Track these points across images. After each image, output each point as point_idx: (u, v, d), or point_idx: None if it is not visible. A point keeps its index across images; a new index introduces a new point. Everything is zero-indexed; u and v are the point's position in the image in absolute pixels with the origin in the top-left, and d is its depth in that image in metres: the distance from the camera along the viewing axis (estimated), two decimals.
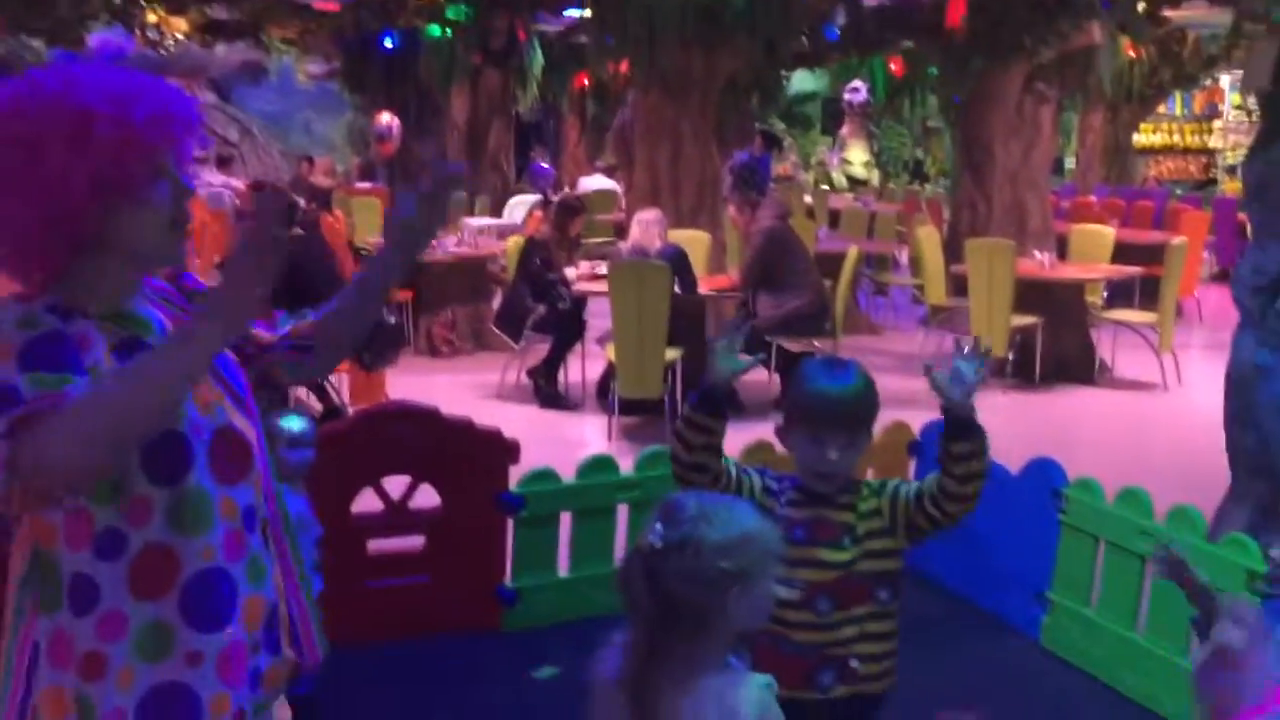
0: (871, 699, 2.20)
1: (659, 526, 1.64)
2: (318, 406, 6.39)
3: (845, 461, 2.18)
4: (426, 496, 4.11)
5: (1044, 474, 4.12)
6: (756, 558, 1.67)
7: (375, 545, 4.06)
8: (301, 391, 5.92)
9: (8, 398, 1.40)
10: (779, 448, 2.50)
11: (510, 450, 4.12)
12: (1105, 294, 9.62)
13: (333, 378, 6.63)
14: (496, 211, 12.81)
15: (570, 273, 7.57)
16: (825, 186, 18.59)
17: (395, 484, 4.07)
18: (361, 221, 11.57)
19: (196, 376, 1.46)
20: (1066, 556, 4.01)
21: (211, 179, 15.51)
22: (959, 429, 2.15)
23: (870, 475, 4.66)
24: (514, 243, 8.33)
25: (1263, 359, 4.02)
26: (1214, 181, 20.45)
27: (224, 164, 16.18)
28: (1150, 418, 7.49)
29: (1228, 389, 4.40)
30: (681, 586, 1.62)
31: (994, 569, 4.28)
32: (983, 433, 2.17)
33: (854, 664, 2.15)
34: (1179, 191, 17.72)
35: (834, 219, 13.08)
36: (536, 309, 7.48)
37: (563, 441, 6.37)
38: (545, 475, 4.15)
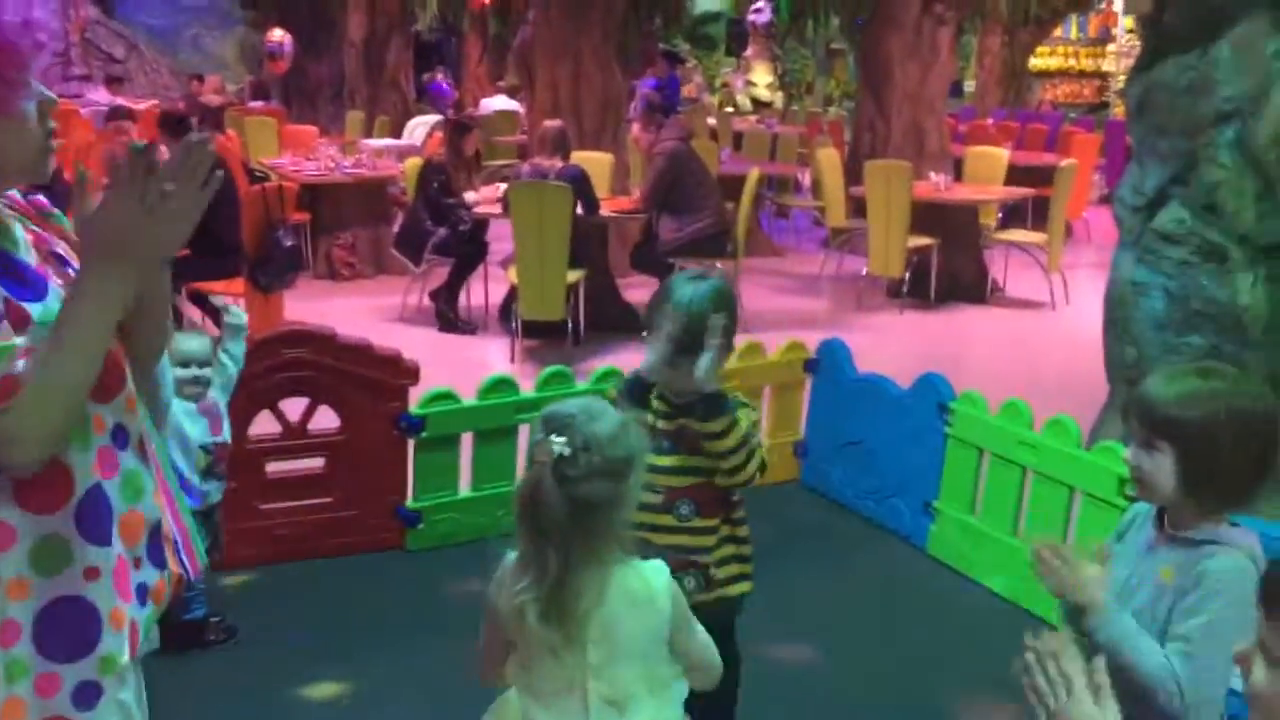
0: (730, 602, 2.29)
1: (556, 437, 1.69)
2: (215, 330, 6.29)
3: (687, 376, 2.21)
4: (326, 418, 4.10)
5: (932, 389, 4.26)
6: (637, 439, 1.77)
7: (274, 468, 4.05)
8: (196, 313, 5.81)
9: None
10: None
11: (411, 372, 4.12)
12: (999, 215, 9.84)
13: (229, 300, 6.51)
14: (396, 132, 12.57)
15: (470, 196, 7.50)
16: (730, 109, 18.57)
17: (294, 406, 4.05)
18: (255, 141, 11.28)
19: (115, 321, 1.48)
20: (952, 468, 4.17)
21: (98, 98, 14.92)
22: (711, 409, 2.20)
23: (768, 393, 4.78)
24: (413, 164, 8.21)
25: (1140, 276, 4.18)
26: (1107, 105, 20.91)
27: (114, 83, 15.55)
28: (1038, 335, 7.74)
29: (1107, 305, 4.58)
30: (594, 486, 1.69)
31: (885, 481, 4.43)
32: (730, 411, 2.22)
33: (713, 571, 2.23)
34: (1072, 115, 18.10)
35: (737, 141, 13.11)
36: (437, 232, 7.41)
37: (464, 364, 6.37)
38: (446, 396, 4.16)
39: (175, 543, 1.70)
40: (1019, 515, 3.93)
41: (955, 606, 3.88)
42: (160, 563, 1.65)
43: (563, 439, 1.68)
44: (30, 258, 1.55)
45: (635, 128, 7.97)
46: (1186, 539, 1.80)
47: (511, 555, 1.77)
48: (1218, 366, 1.91)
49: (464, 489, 4.25)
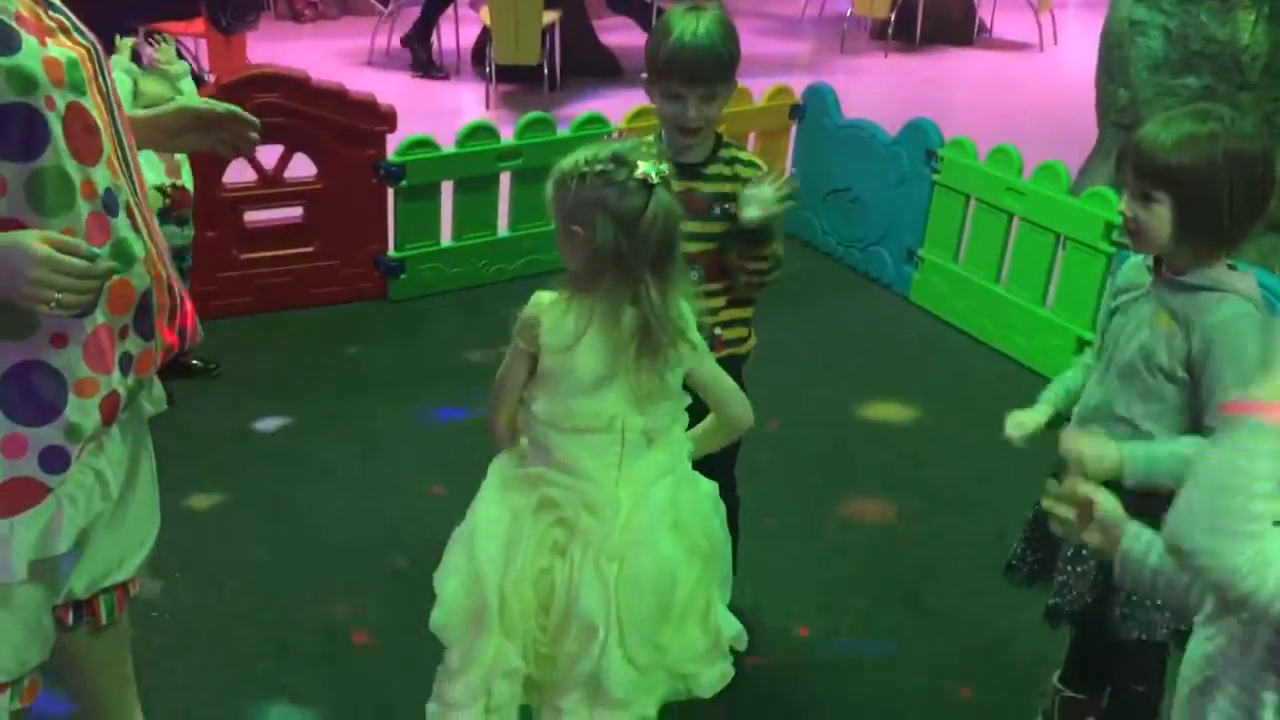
0: (737, 359, 2.29)
1: (647, 166, 1.70)
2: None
3: (705, 114, 2.13)
4: (302, 167, 4.00)
5: (921, 135, 4.18)
6: None
7: (252, 217, 3.98)
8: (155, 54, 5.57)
9: None
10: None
11: (388, 118, 3.99)
12: None
13: (189, 43, 6.24)
14: None
15: None
16: None
17: (269, 155, 3.94)
18: None
19: None
20: (938, 215, 4.15)
21: None
22: (753, 243, 2.14)
23: (753, 139, 4.69)
24: None
25: (1139, 14, 4.05)
26: None
27: None
28: (1026, 77, 7.58)
29: (1102, 45, 4.46)
30: (677, 205, 1.75)
31: (869, 229, 4.42)
32: (775, 246, 2.18)
33: (718, 331, 2.21)
34: None
35: None
36: None
37: (439, 110, 6.19)
38: (425, 143, 4.06)
39: (172, 309, 1.67)
40: (1003, 262, 3.94)
41: (937, 350, 3.95)
42: (148, 332, 1.62)
43: (652, 165, 1.70)
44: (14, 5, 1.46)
45: None
46: (1184, 284, 1.80)
47: (546, 294, 1.74)
48: (1213, 108, 1.85)
49: (445, 239, 4.20)
